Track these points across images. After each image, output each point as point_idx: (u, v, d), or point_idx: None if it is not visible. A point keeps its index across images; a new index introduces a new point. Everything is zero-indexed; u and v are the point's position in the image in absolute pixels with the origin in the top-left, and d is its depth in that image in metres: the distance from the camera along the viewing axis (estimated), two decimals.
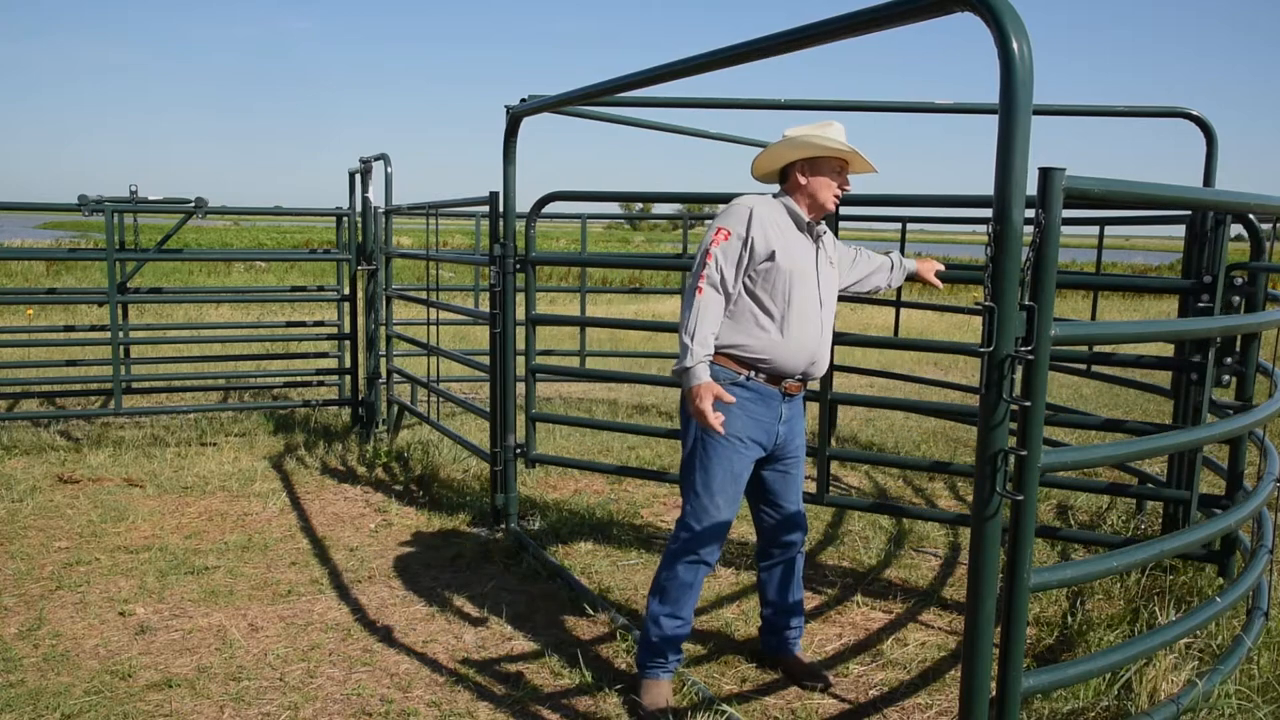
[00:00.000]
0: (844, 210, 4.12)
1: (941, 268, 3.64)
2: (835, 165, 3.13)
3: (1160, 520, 4.61)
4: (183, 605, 3.98)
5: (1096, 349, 5.18)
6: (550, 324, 5.92)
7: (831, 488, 5.89)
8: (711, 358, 3.00)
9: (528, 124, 4.70)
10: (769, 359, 3.05)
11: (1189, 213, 4.38)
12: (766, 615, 3.44)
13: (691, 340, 2.95)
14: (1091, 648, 3.49)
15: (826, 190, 3.12)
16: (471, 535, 4.89)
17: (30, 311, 13.09)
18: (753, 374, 3.07)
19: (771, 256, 3.01)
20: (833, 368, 7.92)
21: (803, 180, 3.13)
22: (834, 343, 4.68)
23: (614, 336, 12.28)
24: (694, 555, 3.12)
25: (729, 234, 3.02)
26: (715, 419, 2.91)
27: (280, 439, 6.91)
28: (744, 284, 3.04)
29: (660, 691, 3.14)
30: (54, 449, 6.46)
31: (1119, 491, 4.57)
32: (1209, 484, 5.41)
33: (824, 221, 3.28)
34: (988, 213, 2.12)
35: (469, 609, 3.98)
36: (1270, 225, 3.74)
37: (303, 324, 8.00)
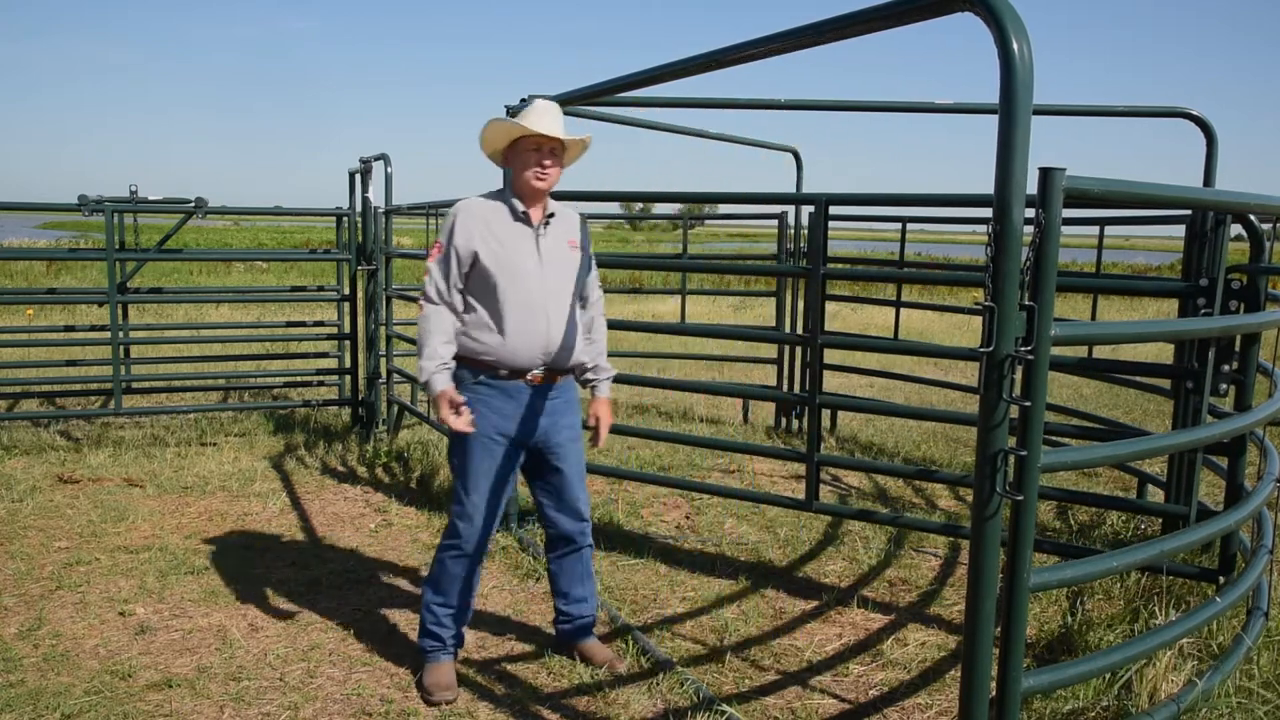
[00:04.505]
0: (844, 210, 4.10)
1: (606, 424, 3.32)
2: (531, 145, 3.10)
3: (1160, 520, 4.61)
4: (183, 605, 3.98)
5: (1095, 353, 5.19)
6: None
7: (830, 487, 5.91)
8: (448, 365, 3.11)
9: None
10: (497, 358, 3.12)
11: (1189, 213, 4.39)
12: (559, 606, 3.51)
13: (421, 357, 3.13)
14: (1091, 648, 3.50)
15: (524, 173, 3.12)
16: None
17: (30, 311, 13.09)
18: (493, 371, 3.14)
19: (475, 259, 3.09)
20: (831, 368, 8.00)
21: (508, 166, 3.20)
22: (832, 345, 4.72)
23: (613, 336, 12.24)
24: (458, 550, 3.23)
25: (441, 246, 3.15)
26: (459, 422, 3.05)
27: (280, 439, 6.91)
28: (467, 289, 3.14)
29: (441, 672, 3.26)
30: (54, 449, 6.46)
31: (1117, 506, 4.57)
32: (1209, 483, 5.42)
33: (554, 206, 3.24)
34: (988, 213, 2.12)
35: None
36: (1270, 225, 3.74)
37: (303, 324, 8.00)
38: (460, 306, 3.16)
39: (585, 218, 3.46)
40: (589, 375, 3.38)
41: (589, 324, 3.39)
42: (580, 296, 3.33)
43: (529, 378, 3.16)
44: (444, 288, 3.13)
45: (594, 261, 3.43)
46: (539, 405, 3.20)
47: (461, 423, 3.05)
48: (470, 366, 3.17)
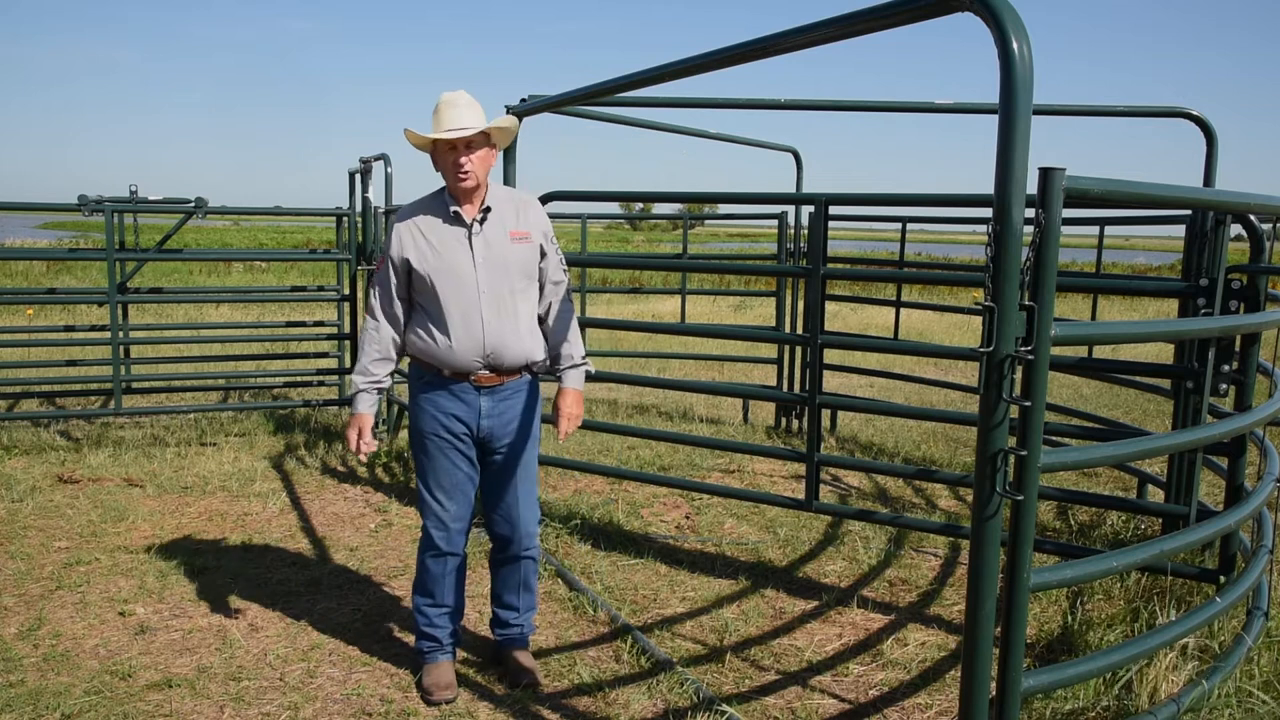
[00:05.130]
0: (844, 210, 4.10)
1: (569, 417, 3.31)
2: (446, 147, 3.05)
3: (1160, 520, 4.61)
4: (183, 605, 3.98)
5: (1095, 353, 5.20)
6: None
7: (830, 487, 5.91)
8: (377, 383, 3.19)
9: (528, 124, 4.70)
10: (438, 360, 3.13)
11: (1189, 213, 4.39)
12: (493, 607, 3.51)
13: (354, 370, 3.24)
14: (1091, 648, 3.50)
15: (447, 173, 3.10)
16: (471, 535, 4.88)
17: (30, 311, 13.09)
18: (438, 372, 3.16)
19: (409, 268, 3.09)
20: (831, 368, 8.01)
21: (436, 168, 3.17)
22: (832, 345, 4.72)
23: (614, 337, 12.28)
24: (434, 549, 3.27)
25: (384, 259, 3.16)
26: (357, 445, 3.18)
27: (280, 439, 6.91)
28: (412, 295, 3.16)
29: (440, 671, 3.26)
30: (54, 449, 6.46)
31: (1117, 506, 4.57)
32: (1209, 483, 5.42)
33: (495, 197, 3.16)
34: (988, 213, 2.12)
35: (469, 609, 3.97)
36: (1270, 225, 3.74)
37: (303, 324, 8.01)
38: (405, 315, 3.19)
39: (538, 199, 3.34)
40: (554, 366, 3.35)
41: (548, 314, 3.31)
42: (537, 285, 3.25)
43: (473, 378, 3.15)
44: (386, 300, 3.16)
45: (553, 245, 3.29)
46: (485, 405, 3.18)
47: (354, 447, 3.18)
48: (418, 366, 3.20)
